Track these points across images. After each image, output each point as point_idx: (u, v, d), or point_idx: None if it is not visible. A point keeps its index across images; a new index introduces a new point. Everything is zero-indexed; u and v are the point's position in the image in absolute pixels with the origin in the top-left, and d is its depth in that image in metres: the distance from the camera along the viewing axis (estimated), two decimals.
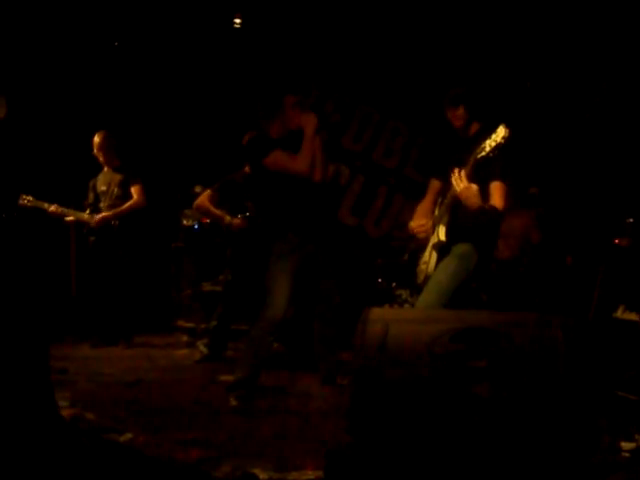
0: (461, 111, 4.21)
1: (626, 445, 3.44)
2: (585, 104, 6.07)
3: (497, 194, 4.01)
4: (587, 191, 5.90)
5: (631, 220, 4.53)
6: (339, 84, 7.57)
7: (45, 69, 6.89)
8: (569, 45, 6.12)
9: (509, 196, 4.07)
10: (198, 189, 7.08)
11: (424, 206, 4.47)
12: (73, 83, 7.10)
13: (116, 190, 6.49)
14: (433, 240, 4.20)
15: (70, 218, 6.44)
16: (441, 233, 4.15)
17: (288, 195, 4.48)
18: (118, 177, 6.54)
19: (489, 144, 3.79)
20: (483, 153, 3.83)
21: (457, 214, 4.10)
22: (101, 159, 6.56)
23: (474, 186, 3.84)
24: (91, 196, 6.57)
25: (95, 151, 6.52)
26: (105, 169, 6.61)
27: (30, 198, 6.22)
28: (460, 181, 3.85)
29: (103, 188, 6.53)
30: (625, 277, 4.52)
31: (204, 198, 5.89)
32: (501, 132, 3.76)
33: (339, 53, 7.29)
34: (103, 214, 6.40)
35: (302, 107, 4.65)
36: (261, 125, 4.63)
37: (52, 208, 6.31)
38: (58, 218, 6.39)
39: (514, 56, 6.50)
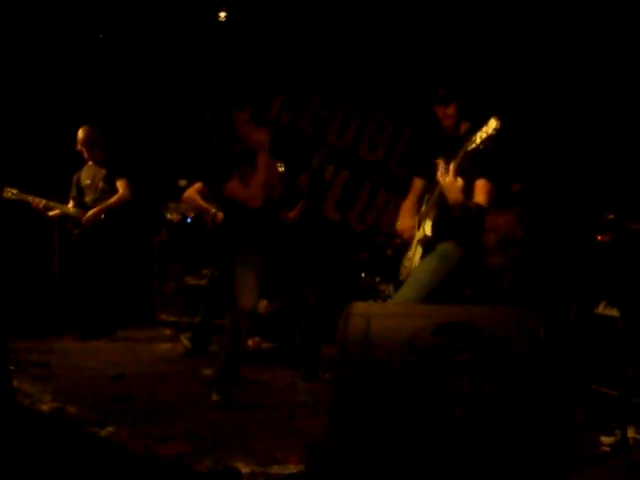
0: (452, 110, 4.20)
1: (606, 439, 3.47)
2: (568, 100, 6.09)
3: (482, 191, 3.99)
4: (568, 187, 5.92)
5: (612, 216, 4.54)
6: (324, 78, 7.57)
7: (29, 62, 6.84)
8: (552, 40, 6.13)
9: (493, 194, 4.07)
10: (182, 182, 7.07)
11: (408, 206, 4.45)
12: (57, 76, 7.06)
13: (101, 184, 6.47)
14: (418, 235, 4.19)
15: (55, 212, 6.40)
16: (427, 228, 4.12)
17: (241, 213, 4.65)
18: (102, 171, 6.52)
19: (480, 136, 3.71)
20: (473, 145, 3.73)
21: (444, 209, 4.09)
22: (85, 154, 6.53)
23: (459, 181, 3.80)
24: (74, 190, 6.54)
25: (79, 146, 6.50)
26: (89, 163, 6.58)
27: (14, 191, 6.18)
28: (446, 174, 3.83)
29: (87, 182, 6.51)
30: (606, 273, 4.53)
31: (193, 190, 5.88)
32: (492, 124, 3.67)
33: (324, 47, 7.28)
34: (93, 210, 6.37)
35: (255, 122, 4.81)
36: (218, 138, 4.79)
37: (37, 201, 6.28)
38: (42, 211, 6.36)
39: (499, 51, 6.50)
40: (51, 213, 6.40)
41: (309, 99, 7.60)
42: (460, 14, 6.54)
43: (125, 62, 7.40)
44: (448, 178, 3.80)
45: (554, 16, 6.04)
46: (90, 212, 6.36)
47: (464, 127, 4.20)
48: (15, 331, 5.81)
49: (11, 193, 6.17)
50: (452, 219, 4.06)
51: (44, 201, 6.30)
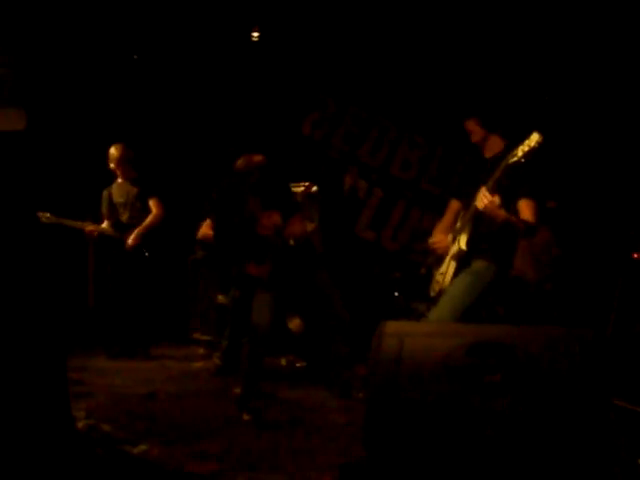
0: (473, 125, 4.19)
1: None
2: (602, 116, 6.05)
3: (527, 210, 3.96)
4: (603, 204, 5.87)
5: None
6: (356, 96, 7.58)
7: (60, 80, 6.92)
8: (582, 54, 6.10)
9: (538, 211, 4.03)
10: None
11: (443, 225, 4.44)
12: (87, 94, 7.14)
13: (137, 203, 6.52)
14: (453, 250, 4.16)
15: (91, 228, 6.46)
16: (462, 242, 4.09)
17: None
18: (135, 189, 6.57)
19: (522, 149, 3.69)
20: (515, 158, 3.71)
21: (480, 224, 4.06)
22: (119, 171, 6.58)
23: (496, 199, 3.78)
24: (107, 207, 6.59)
25: (112, 164, 6.54)
26: (119, 180, 6.62)
27: (47, 215, 6.20)
28: (484, 197, 3.80)
29: (121, 200, 6.56)
30: None
31: (206, 229, 5.93)
32: (535, 137, 3.66)
33: (355, 65, 7.30)
34: (137, 232, 6.42)
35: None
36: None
37: (79, 225, 6.36)
38: (88, 233, 6.42)
39: (532, 69, 6.48)
40: (90, 230, 6.45)
41: (342, 117, 7.62)
42: (490, 31, 6.53)
43: (158, 80, 7.48)
44: (486, 199, 3.77)
45: (587, 31, 6.00)
46: (133, 236, 6.41)
47: (498, 147, 4.17)
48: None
49: (45, 218, 6.20)
50: (489, 233, 4.03)
51: (93, 225, 6.39)
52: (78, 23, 6.63)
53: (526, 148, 3.68)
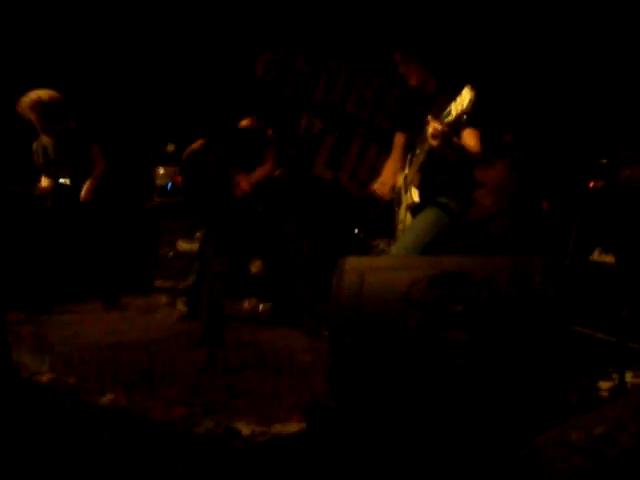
0: (414, 68, 4.14)
1: (604, 384, 3.48)
2: (555, 48, 6.03)
3: (471, 139, 3.94)
4: (559, 135, 5.89)
5: (604, 161, 4.51)
6: (309, 38, 7.47)
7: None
8: None
9: (483, 143, 4.03)
10: (171, 147, 7.01)
11: (392, 162, 4.43)
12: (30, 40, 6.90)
13: (72, 154, 6.19)
14: (407, 201, 4.16)
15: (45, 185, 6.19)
16: (414, 194, 4.08)
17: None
18: (71, 139, 6.21)
19: (455, 108, 3.53)
20: (450, 118, 3.58)
21: (429, 174, 4.05)
22: (42, 121, 6.12)
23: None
24: (42, 159, 6.23)
25: (37, 112, 6.05)
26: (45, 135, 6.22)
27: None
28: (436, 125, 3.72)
29: (57, 152, 6.21)
30: (600, 220, 4.52)
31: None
32: (467, 96, 3.46)
33: (308, 6, 7.17)
34: (87, 188, 6.16)
35: None
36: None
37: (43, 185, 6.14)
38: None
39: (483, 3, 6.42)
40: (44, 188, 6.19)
41: (293, 58, 7.52)
42: None
43: (109, 23, 7.26)
44: (435, 125, 3.69)
45: None
46: (86, 188, 6.15)
47: (431, 85, 4.14)
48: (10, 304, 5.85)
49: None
50: (439, 183, 4.03)
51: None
52: None
53: (459, 108, 3.51)
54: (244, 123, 5.18)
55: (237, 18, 7.27)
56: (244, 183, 5.00)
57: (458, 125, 3.72)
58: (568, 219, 4.75)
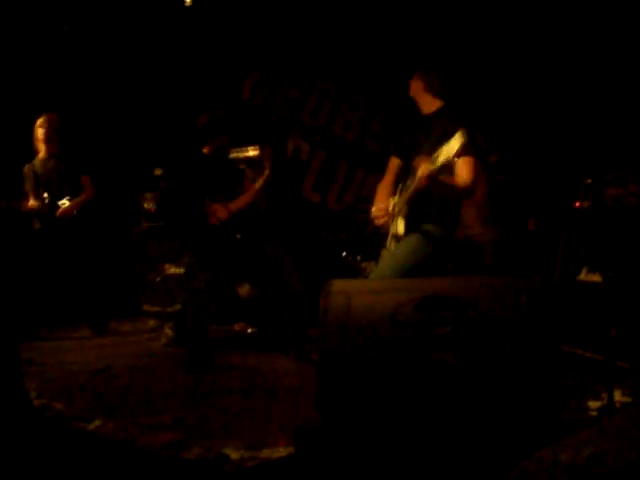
0: (418, 84, 4.19)
1: (593, 404, 3.48)
2: (543, 70, 6.08)
3: (464, 169, 3.96)
4: (545, 155, 5.93)
5: (590, 181, 4.54)
6: (295, 60, 7.51)
7: None
8: (527, 9, 6.11)
9: (476, 167, 4.05)
10: (158, 172, 7.02)
11: (385, 186, 4.44)
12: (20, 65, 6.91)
13: (64, 180, 6.18)
14: (393, 230, 4.19)
15: (33, 204, 6.09)
16: (400, 226, 4.11)
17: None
18: (62, 165, 6.21)
19: (446, 150, 3.57)
20: (439, 162, 3.63)
21: (417, 207, 4.07)
22: (45, 146, 6.16)
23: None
24: (30, 184, 6.17)
25: (43, 136, 6.11)
26: (42, 155, 6.22)
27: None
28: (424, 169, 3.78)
29: (48, 176, 6.18)
30: (587, 239, 4.54)
31: None
32: (458, 141, 3.52)
33: (294, 28, 7.22)
34: (70, 205, 6.15)
35: None
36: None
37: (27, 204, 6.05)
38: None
39: (469, 22, 6.48)
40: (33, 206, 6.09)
41: (281, 80, 7.55)
42: None
43: (94, 50, 7.29)
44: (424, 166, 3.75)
45: None
46: (61, 209, 6.11)
47: (435, 105, 4.18)
48: None
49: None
50: (426, 216, 4.06)
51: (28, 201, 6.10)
52: None
53: (452, 151, 3.55)
54: (205, 150, 5.15)
55: (223, 41, 7.31)
56: (221, 211, 4.98)
57: (446, 167, 3.76)
58: (554, 239, 4.77)
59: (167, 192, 5.07)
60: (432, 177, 3.74)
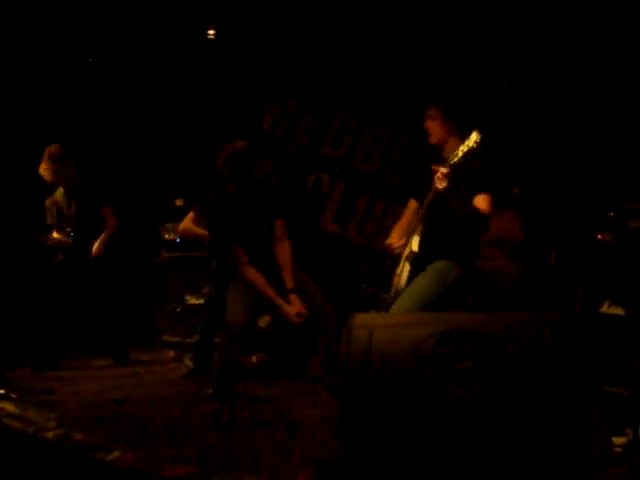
0: (436, 123, 4.21)
1: (617, 440, 3.42)
2: (564, 101, 6.09)
3: (483, 203, 4.00)
4: (567, 188, 5.91)
5: (612, 214, 4.52)
6: (316, 91, 7.56)
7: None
8: (545, 41, 6.13)
9: (493, 202, 4.08)
10: (179, 202, 7.05)
11: (401, 225, 4.47)
12: (40, 97, 7.00)
13: (85, 212, 6.25)
14: (406, 252, 4.19)
15: (56, 237, 6.18)
16: (414, 244, 4.12)
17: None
18: (82, 197, 6.26)
19: (461, 149, 3.77)
20: (455, 159, 3.79)
21: (432, 225, 4.08)
22: (63, 179, 6.20)
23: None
24: (53, 217, 6.26)
25: (47, 172, 6.08)
26: (62, 188, 6.27)
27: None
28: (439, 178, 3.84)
29: (69, 209, 6.26)
30: (609, 272, 4.51)
31: (187, 222, 5.85)
32: (473, 137, 3.72)
33: (315, 60, 7.28)
34: (99, 243, 6.20)
35: None
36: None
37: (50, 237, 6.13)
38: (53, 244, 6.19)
39: (490, 56, 6.51)
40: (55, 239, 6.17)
41: (302, 112, 7.59)
42: (452, 21, 6.54)
43: (115, 80, 7.38)
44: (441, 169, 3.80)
45: (544, 17, 6.04)
46: (96, 247, 6.19)
47: (452, 144, 4.18)
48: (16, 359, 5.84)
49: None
50: (441, 234, 4.06)
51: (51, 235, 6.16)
52: (29, 21, 6.49)
53: (465, 148, 3.76)
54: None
55: (245, 74, 7.38)
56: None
57: (464, 166, 3.79)
58: (576, 271, 4.74)
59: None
60: (449, 176, 3.81)
